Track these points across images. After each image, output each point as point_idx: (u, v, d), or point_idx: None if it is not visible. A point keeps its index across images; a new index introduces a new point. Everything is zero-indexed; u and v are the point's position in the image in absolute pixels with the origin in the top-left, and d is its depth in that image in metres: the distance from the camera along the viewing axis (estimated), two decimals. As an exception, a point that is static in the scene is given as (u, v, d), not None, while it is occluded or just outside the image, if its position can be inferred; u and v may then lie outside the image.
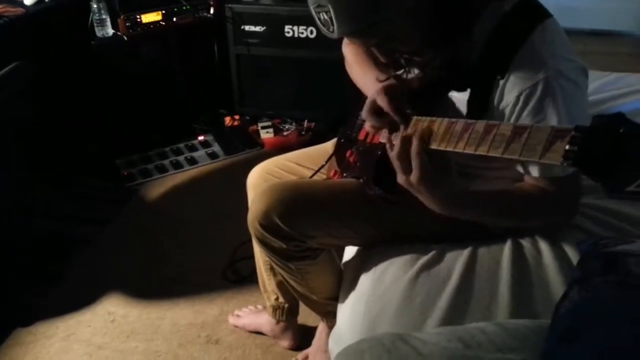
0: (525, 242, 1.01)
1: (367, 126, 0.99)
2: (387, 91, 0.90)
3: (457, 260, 1.00)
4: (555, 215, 0.95)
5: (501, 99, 0.83)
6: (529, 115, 0.81)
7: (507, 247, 1.00)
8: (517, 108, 0.81)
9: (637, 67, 3.02)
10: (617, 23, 3.67)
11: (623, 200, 1.07)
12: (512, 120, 0.83)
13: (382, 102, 0.89)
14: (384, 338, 0.69)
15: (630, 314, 0.53)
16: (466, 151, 0.68)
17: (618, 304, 0.55)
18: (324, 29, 0.82)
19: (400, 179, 0.80)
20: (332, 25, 0.79)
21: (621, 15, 3.65)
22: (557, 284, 0.90)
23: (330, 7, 0.77)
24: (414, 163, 0.77)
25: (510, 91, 0.82)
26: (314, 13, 0.82)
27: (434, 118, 0.78)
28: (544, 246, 0.99)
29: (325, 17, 0.79)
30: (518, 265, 0.96)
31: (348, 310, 1.04)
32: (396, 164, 0.80)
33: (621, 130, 0.47)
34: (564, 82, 0.79)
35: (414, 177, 0.77)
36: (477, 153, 0.66)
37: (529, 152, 0.57)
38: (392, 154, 0.80)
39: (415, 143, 0.76)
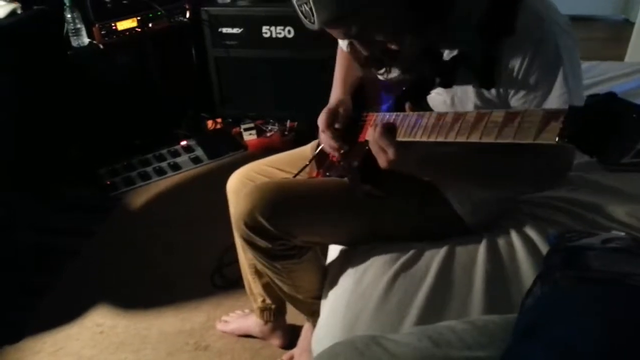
0: (500, 239, 1.03)
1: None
2: (327, 115, 1.09)
3: (434, 258, 1.01)
4: (543, 176, 0.93)
5: (509, 59, 0.84)
6: (536, 71, 0.83)
7: (483, 244, 1.02)
8: (525, 66, 0.83)
9: (615, 51, 3.05)
10: (594, 8, 3.70)
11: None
12: (520, 77, 0.84)
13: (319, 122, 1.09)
14: (357, 341, 0.70)
15: (586, 308, 0.54)
16: (458, 140, 0.70)
17: (575, 299, 0.56)
18: (305, 21, 0.86)
19: (382, 161, 0.86)
20: (312, 15, 0.83)
21: (599, 0, 3.67)
22: (529, 278, 0.91)
23: None
24: (384, 143, 0.85)
25: (516, 50, 0.83)
26: (296, 7, 0.85)
27: (421, 112, 0.82)
28: (517, 242, 1.01)
29: (306, 8, 0.83)
30: (493, 261, 0.97)
31: (329, 310, 1.05)
32: (374, 149, 0.87)
33: (613, 108, 0.49)
34: (562, 34, 0.82)
35: (391, 153, 0.84)
36: (469, 141, 0.68)
37: (523, 135, 0.59)
38: (370, 142, 0.88)
39: (378, 129, 0.85)
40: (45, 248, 1.90)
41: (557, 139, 0.54)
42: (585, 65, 1.73)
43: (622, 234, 0.71)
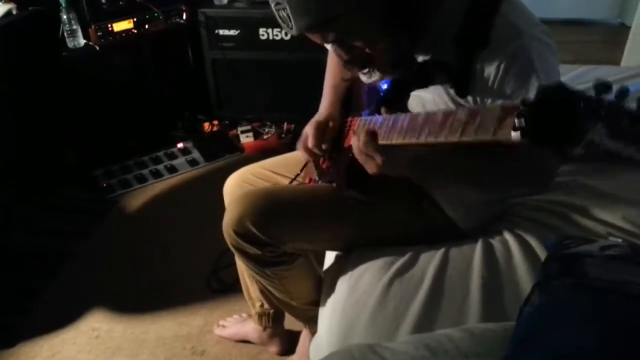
0: (496, 242, 1.02)
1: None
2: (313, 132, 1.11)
3: (430, 263, 1.01)
4: (526, 180, 0.93)
5: (483, 70, 0.84)
6: (510, 81, 0.83)
7: (479, 248, 1.02)
8: (499, 77, 0.83)
9: (611, 55, 3.06)
10: (591, 11, 3.72)
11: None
12: (495, 88, 0.84)
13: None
14: (354, 350, 0.70)
15: (585, 317, 0.54)
16: (429, 141, 0.71)
17: (574, 308, 0.56)
18: (284, 26, 0.85)
19: (371, 168, 0.87)
20: (290, 21, 0.82)
21: (595, 4, 3.69)
22: (526, 284, 0.91)
23: (286, 4, 0.80)
24: (369, 150, 0.85)
25: (491, 62, 0.83)
26: (274, 12, 0.85)
27: (398, 114, 0.82)
28: (514, 246, 1.00)
29: (284, 14, 0.82)
30: (489, 266, 0.97)
31: (326, 317, 1.05)
32: (361, 158, 0.87)
33: (562, 97, 0.49)
34: (538, 45, 0.82)
35: (378, 159, 0.85)
36: (438, 141, 0.68)
37: (483, 133, 0.60)
38: (355, 152, 0.89)
39: (362, 138, 0.85)
40: (41, 250, 1.88)
41: (512, 134, 0.54)
42: (581, 69, 1.73)
43: (620, 240, 0.71)
